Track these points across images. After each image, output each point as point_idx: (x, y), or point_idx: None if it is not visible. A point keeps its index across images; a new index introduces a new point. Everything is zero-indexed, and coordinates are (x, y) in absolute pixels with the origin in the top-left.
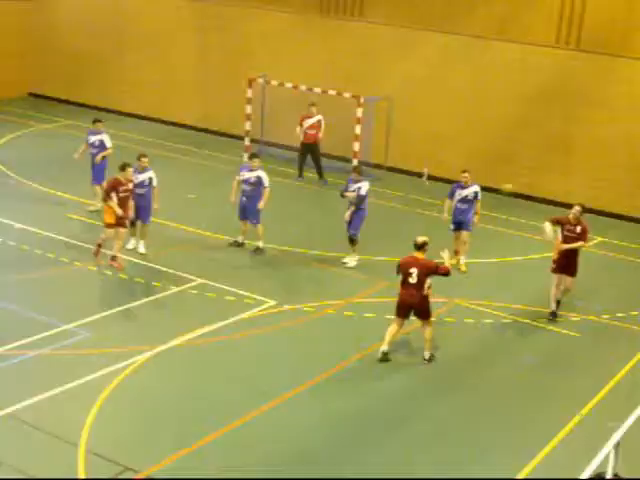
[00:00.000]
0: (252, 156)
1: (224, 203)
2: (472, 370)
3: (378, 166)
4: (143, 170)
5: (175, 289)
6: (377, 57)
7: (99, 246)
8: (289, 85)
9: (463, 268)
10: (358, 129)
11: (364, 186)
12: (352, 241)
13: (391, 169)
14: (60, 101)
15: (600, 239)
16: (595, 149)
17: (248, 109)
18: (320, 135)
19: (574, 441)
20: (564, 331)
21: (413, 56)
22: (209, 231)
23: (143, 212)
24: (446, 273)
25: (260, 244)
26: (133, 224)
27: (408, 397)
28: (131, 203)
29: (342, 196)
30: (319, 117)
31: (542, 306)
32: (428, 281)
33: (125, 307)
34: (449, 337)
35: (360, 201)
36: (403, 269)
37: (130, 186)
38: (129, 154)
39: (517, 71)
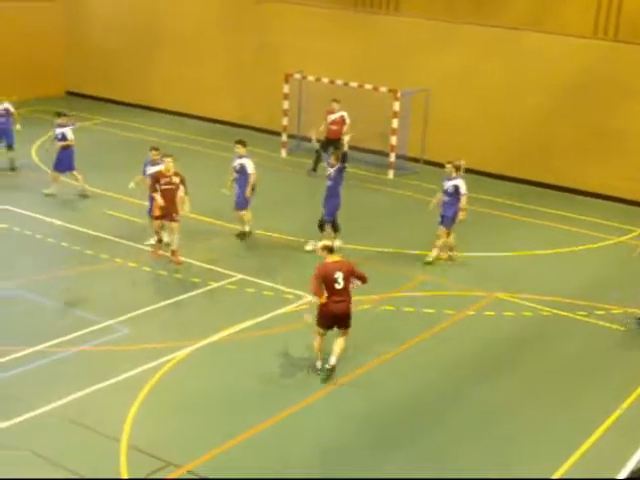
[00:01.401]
0: (238, 142)
1: (259, 199)
2: (514, 360)
3: (415, 159)
4: (154, 163)
5: (214, 285)
6: (413, 50)
7: (159, 241)
8: (325, 80)
9: (428, 259)
10: (395, 123)
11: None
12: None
13: (428, 162)
14: (96, 99)
15: (638, 232)
16: (632, 141)
17: (285, 105)
18: (344, 130)
19: (615, 433)
20: (606, 324)
21: (449, 49)
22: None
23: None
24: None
25: (246, 228)
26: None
27: (452, 387)
28: (179, 194)
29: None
30: (342, 113)
31: (582, 299)
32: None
33: (165, 303)
34: (489, 329)
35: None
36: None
37: (174, 179)
38: (165, 150)
39: (554, 62)
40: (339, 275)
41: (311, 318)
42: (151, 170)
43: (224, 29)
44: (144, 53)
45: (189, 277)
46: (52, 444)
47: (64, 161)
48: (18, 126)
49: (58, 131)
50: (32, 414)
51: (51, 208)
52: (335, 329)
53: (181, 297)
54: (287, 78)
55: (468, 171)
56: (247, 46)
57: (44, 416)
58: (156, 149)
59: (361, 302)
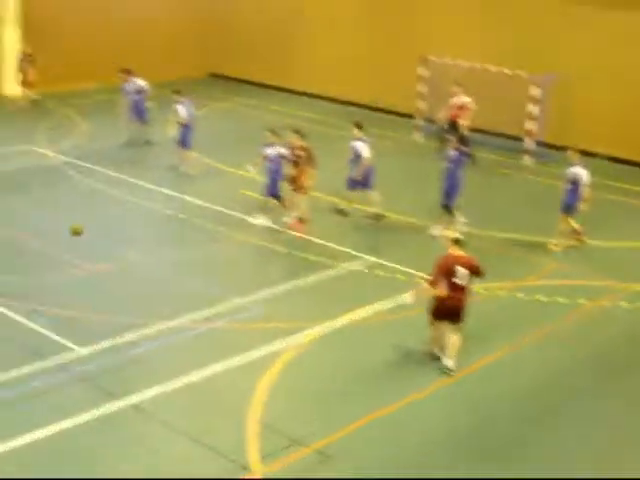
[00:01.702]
0: (355, 124)
1: (393, 182)
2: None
3: (552, 146)
4: (269, 145)
5: (346, 266)
6: (552, 34)
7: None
8: (463, 64)
9: (552, 246)
10: (533, 108)
11: None
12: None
13: (565, 148)
14: (238, 81)
15: None
16: None
17: (420, 87)
18: (465, 114)
19: None
20: None
21: (590, 33)
22: (379, 209)
23: (273, 185)
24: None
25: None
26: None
27: (577, 378)
28: (307, 169)
29: None
30: (464, 98)
31: None
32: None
33: (296, 283)
34: (626, 323)
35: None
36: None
37: (300, 152)
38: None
39: None
40: (460, 270)
41: (412, 299)
42: (266, 151)
43: (363, 10)
44: (284, 34)
45: (321, 258)
46: (183, 418)
47: (186, 138)
48: (150, 103)
49: (178, 108)
50: (165, 388)
51: (188, 187)
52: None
53: (312, 278)
54: (423, 60)
55: (610, 159)
56: (384, 27)
57: (176, 390)
58: (271, 131)
59: (491, 289)
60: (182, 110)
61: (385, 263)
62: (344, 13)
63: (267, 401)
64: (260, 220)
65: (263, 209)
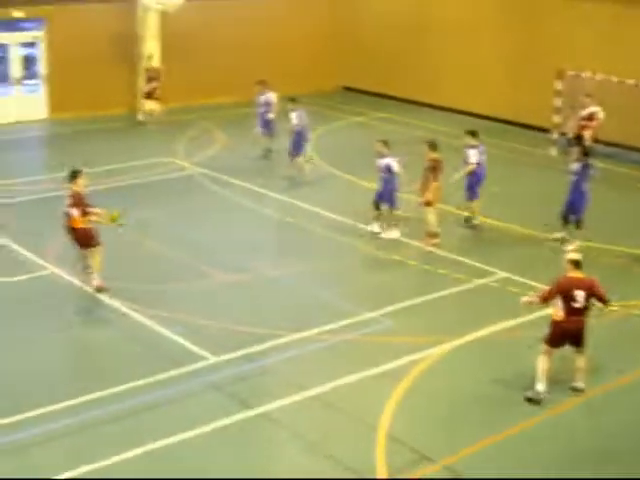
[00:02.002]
0: (467, 132)
1: (528, 197)
2: None
3: None
4: (380, 156)
5: (477, 282)
6: None
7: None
8: (599, 77)
9: None
10: None
11: None
12: None
13: None
14: (372, 94)
15: None
16: None
17: (557, 102)
18: (593, 126)
19: None
20: None
21: None
22: (514, 224)
23: (386, 197)
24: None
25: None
26: (378, 207)
27: None
28: (433, 184)
29: None
30: (593, 109)
31: None
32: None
33: (428, 298)
34: None
35: None
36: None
37: (432, 164)
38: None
39: None
40: (579, 293)
41: (527, 300)
42: (378, 162)
43: (497, 21)
44: (416, 48)
45: (453, 273)
46: (312, 428)
47: (297, 145)
48: (272, 115)
49: (293, 115)
50: (294, 398)
51: (320, 199)
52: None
53: (444, 292)
54: (560, 74)
55: None
56: (520, 41)
57: (305, 401)
58: (380, 141)
59: (612, 310)
60: (294, 118)
61: (516, 278)
62: (478, 26)
63: (396, 414)
64: (393, 234)
65: (393, 224)
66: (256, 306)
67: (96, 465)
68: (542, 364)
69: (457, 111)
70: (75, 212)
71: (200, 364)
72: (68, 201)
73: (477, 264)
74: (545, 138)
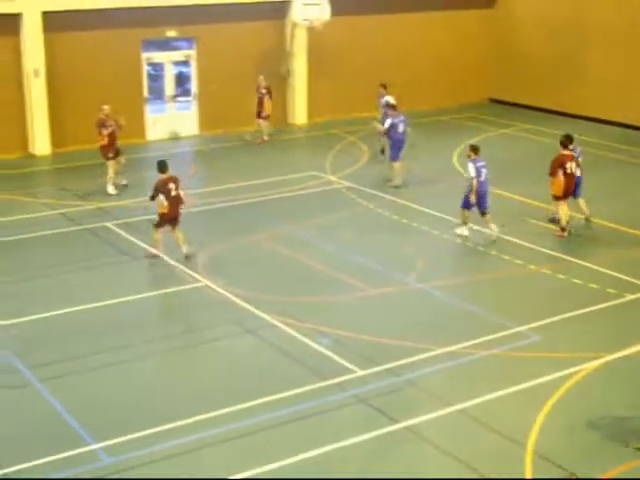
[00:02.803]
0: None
1: None
2: None
3: None
4: (473, 159)
5: (630, 297)
6: None
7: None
8: None
9: None
10: None
11: None
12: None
13: None
14: (519, 106)
15: None
16: None
17: None
18: None
19: None
20: None
21: None
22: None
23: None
24: None
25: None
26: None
27: None
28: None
29: None
30: None
31: None
32: None
33: (578, 312)
34: None
35: None
36: None
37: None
38: (586, 157)
39: None
40: None
41: None
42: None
43: None
44: (570, 58)
45: (604, 287)
46: (457, 443)
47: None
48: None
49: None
50: (439, 412)
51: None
52: None
53: (595, 307)
54: None
55: None
56: None
57: (451, 415)
58: (473, 147)
59: None
60: (400, 125)
61: None
62: (628, 36)
63: (544, 431)
64: (462, 230)
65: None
66: (402, 319)
67: (242, 475)
68: None
69: (608, 122)
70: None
71: (347, 377)
72: None
73: (631, 279)
74: None
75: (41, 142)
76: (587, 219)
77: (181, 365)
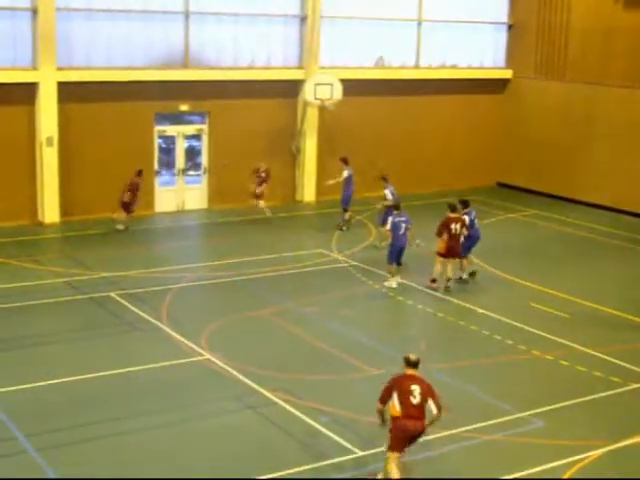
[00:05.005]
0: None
1: None
2: None
3: None
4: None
5: (634, 385)
6: None
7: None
8: None
9: None
10: None
11: None
12: None
13: None
14: (526, 191)
15: None
16: None
17: None
18: None
19: None
20: None
21: None
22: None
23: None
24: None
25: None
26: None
27: None
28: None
29: None
30: None
31: None
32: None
33: (582, 399)
34: None
35: None
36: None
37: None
38: (591, 244)
39: None
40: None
41: None
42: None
43: None
44: (578, 145)
45: (608, 375)
46: None
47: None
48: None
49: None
50: None
51: (475, 296)
52: None
53: (599, 395)
54: None
55: None
56: None
57: None
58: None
59: None
60: (388, 194)
61: None
62: (632, 130)
63: None
64: (390, 283)
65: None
66: None
67: None
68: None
69: (615, 210)
70: None
71: (345, 457)
72: None
73: (635, 367)
74: None
75: (50, 210)
76: (472, 273)
77: (177, 440)
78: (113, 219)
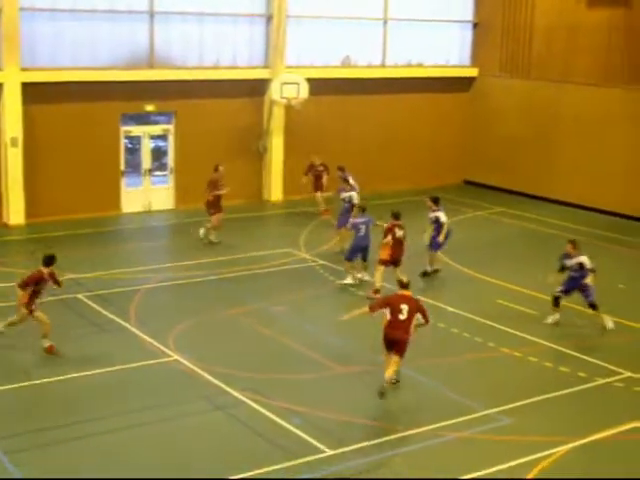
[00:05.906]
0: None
1: None
2: None
3: None
4: (568, 257)
5: (600, 381)
6: None
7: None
8: None
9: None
10: None
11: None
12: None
13: None
14: (493, 188)
15: None
16: None
17: None
18: None
19: None
20: None
21: None
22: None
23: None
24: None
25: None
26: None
27: None
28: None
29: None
30: None
31: None
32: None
33: (548, 396)
34: None
35: None
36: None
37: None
38: (557, 241)
39: None
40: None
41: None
42: (567, 262)
43: (627, 121)
44: (543, 143)
45: (575, 371)
46: None
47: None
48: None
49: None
50: None
51: (444, 294)
52: None
53: (565, 391)
54: None
55: None
56: None
57: None
58: (572, 242)
59: None
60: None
61: None
62: (610, 121)
63: None
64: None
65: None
66: (372, 399)
67: None
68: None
69: (581, 207)
70: None
71: (316, 456)
72: None
73: (601, 362)
74: None
75: (15, 212)
76: (436, 270)
77: (145, 441)
78: (205, 234)
